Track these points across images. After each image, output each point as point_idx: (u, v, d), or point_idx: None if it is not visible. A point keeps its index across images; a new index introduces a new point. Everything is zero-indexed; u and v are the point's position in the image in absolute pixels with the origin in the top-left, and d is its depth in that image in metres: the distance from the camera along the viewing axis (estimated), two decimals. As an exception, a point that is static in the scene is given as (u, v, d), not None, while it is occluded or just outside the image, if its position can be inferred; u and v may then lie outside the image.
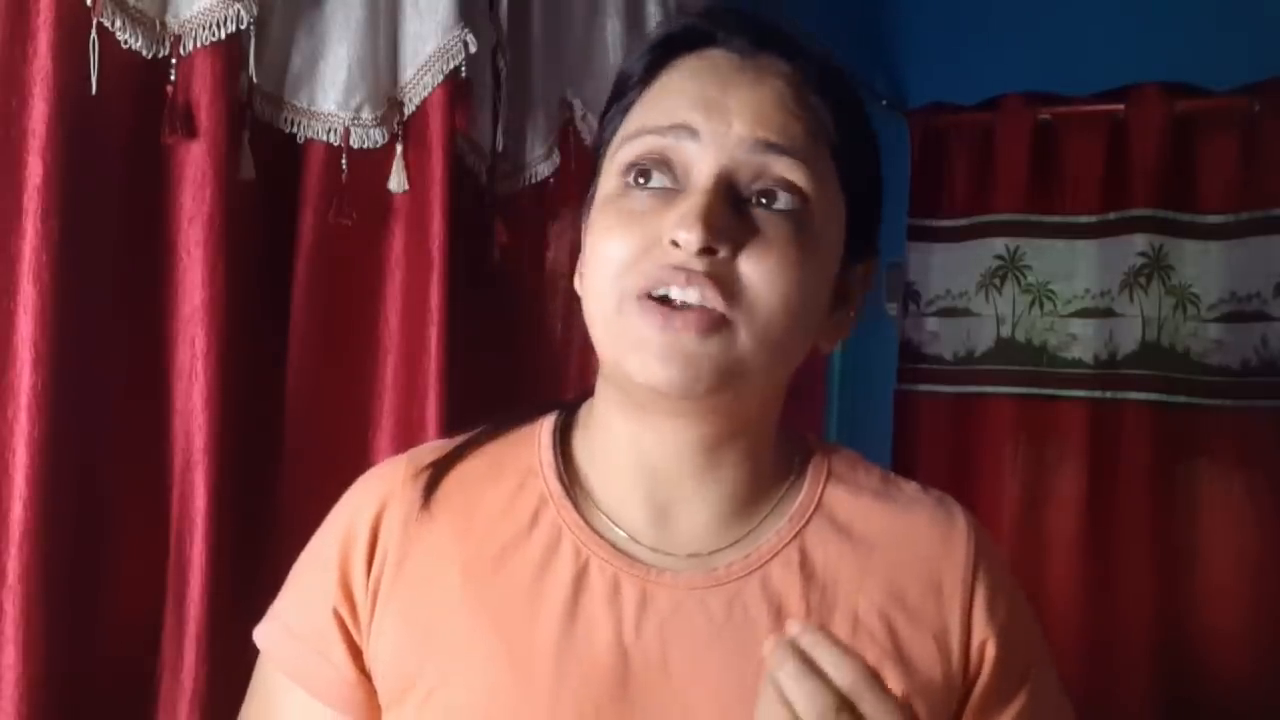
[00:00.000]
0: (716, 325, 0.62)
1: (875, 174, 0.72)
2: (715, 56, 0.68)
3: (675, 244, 0.62)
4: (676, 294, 0.62)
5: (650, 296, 0.62)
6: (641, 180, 0.65)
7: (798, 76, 0.67)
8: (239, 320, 0.94)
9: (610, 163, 0.68)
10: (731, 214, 0.63)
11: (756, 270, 0.62)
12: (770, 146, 0.64)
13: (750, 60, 0.67)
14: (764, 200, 0.64)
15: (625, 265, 0.63)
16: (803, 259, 0.64)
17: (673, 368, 0.62)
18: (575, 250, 0.75)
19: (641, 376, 0.63)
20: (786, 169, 0.64)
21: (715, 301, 0.61)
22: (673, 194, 0.64)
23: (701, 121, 0.64)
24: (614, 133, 0.69)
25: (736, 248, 0.62)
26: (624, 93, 0.70)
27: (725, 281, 0.62)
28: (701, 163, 0.64)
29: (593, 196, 0.70)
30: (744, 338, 0.63)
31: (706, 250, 0.61)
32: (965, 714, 0.71)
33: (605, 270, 0.64)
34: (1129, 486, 2.03)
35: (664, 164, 0.65)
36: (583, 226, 0.73)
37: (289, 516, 1.01)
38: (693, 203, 0.62)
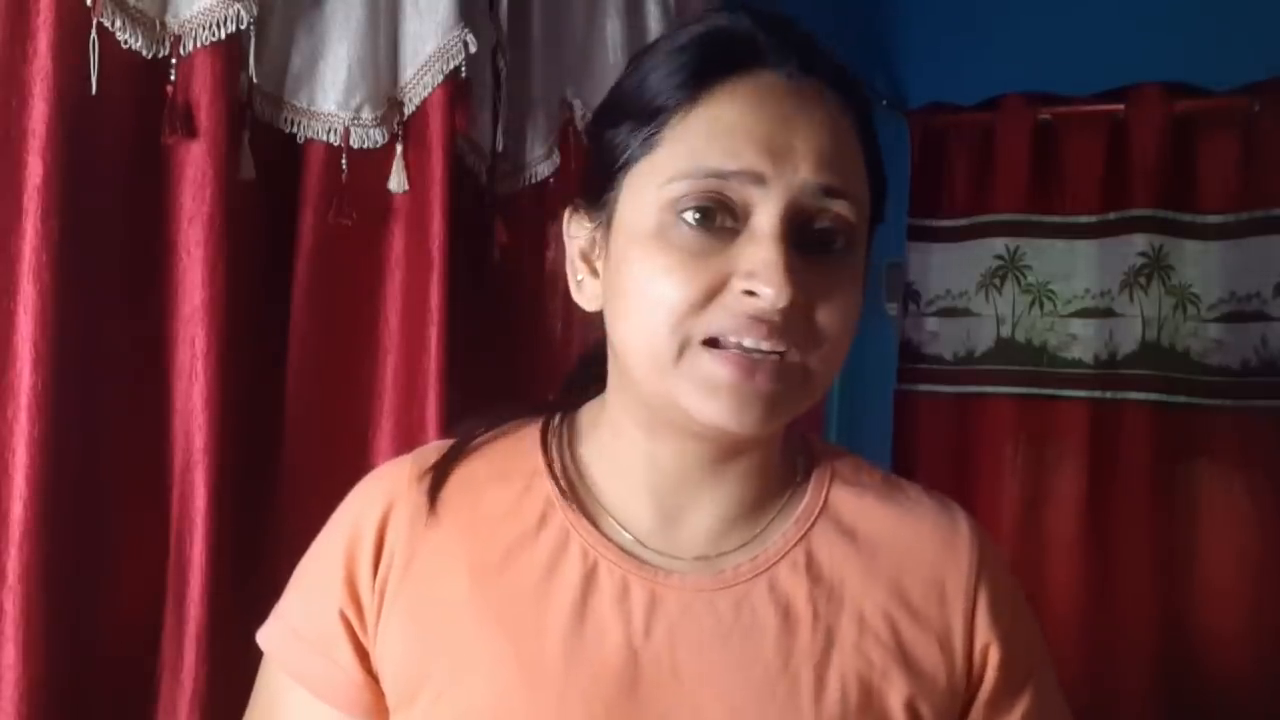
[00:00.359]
0: (789, 373, 0.63)
1: (885, 179, 0.71)
2: (766, 82, 0.64)
3: (749, 293, 0.61)
4: (750, 343, 0.61)
5: (718, 342, 0.62)
6: (699, 218, 0.62)
7: (838, 98, 0.66)
8: (239, 320, 0.94)
9: (654, 190, 0.64)
10: (802, 262, 0.62)
11: (829, 317, 0.63)
12: (833, 192, 0.63)
13: (799, 85, 0.65)
14: (824, 239, 0.64)
15: (687, 310, 0.61)
16: (857, 293, 0.66)
17: (748, 414, 0.62)
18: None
19: (709, 419, 0.62)
20: (845, 210, 0.64)
21: (789, 349, 0.62)
22: (731, 232, 0.62)
23: (768, 167, 0.62)
24: (645, 151, 0.65)
25: (809, 295, 0.62)
26: (655, 111, 0.65)
27: (800, 330, 0.62)
28: (767, 205, 0.62)
29: (607, 216, 0.68)
30: (814, 378, 0.64)
31: (791, 304, 0.61)
32: (971, 715, 0.71)
33: (661, 312, 0.62)
34: (1129, 486, 2.03)
35: (723, 204, 0.62)
36: (568, 217, 0.72)
37: (289, 516, 1.01)
38: (772, 255, 0.60)
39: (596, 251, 0.70)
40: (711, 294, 0.61)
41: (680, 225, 0.63)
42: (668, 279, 0.62)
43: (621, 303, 0.65)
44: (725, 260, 0.61)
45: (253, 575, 0.96)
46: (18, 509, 0.80)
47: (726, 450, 0.69)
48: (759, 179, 0.62)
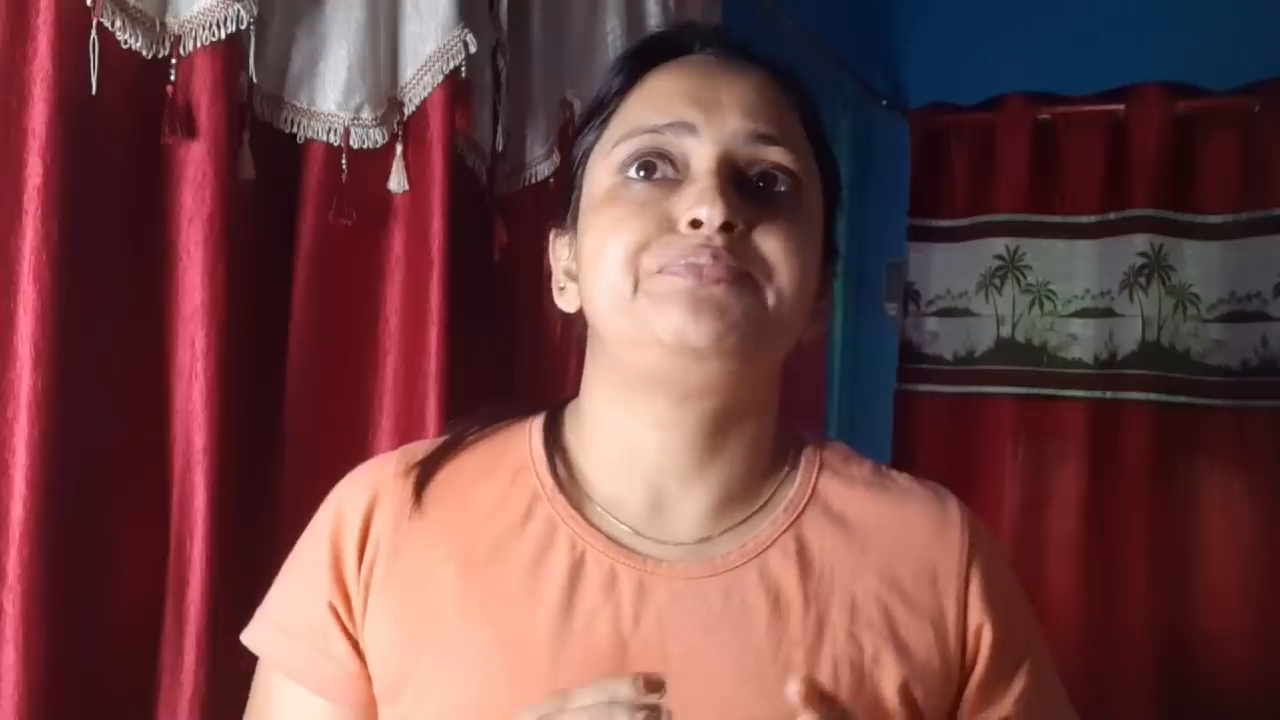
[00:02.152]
0: (744, 280, 0.64)
1: (838, 173, 0.75)
2: (696, 59, 0.71)
3: (694, 224, 0.63)
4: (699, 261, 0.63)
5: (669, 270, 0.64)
6: (643, 173, 0.67)
7: (770, 77, 0.71)
8: (239, 320, 0.94)
9: (603, 162, 0.69)
10: (742, 198, 0.65)
11: (770, 244, 0.65)
12: (764, 137, 0.67)
13: (727, 62, 0.71)
14: (763, 183, 0.67)
15: (639, 249, 0.65)
16: (804, 235, 0.68)
17: (704, 319, 0.63)
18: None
19: (673, 336, 0.63)
20: (780, 156, 0.67)
21: (740, 266, 0.64)
22: (675, 183, 0.66)
23: (699, 116, 0.67)
24: (594, 144, 0.72)
25: (749, 225, 0.65)
26: (602, 107, 0.72)
27: (744, 255, 0.64)
28: (702, 152, 0.66)
29: (575, 207, 0.72)
30: (767, 297, 0.65)
31: (726, 226, 0.63)
32: (966, 697, 0.71)
33: (617, 256, 0.65)
34: (1129, 486, 2.03)
35: (665, 157, 0.67)
36: (553, 240, 0.76)
37: (289, 516, 1.00)
38: (707, 184, 0.64)
39: (575, 262, 0.73)
40: (660, 233, 0.65)
41: (628, 183, 0.67)
42: (619, 226, 0.66)
43: (586, 268, 0.69)
44: (669, 205, 0.65)
45: (253, 575, 0.96)
46: (18, 509, 0.80)
47: (709, 423, 0.69)
48: (691, 129, 0.67)
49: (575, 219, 0.72)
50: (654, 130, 0.67)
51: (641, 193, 0.67)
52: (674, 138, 0.67)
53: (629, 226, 0.65)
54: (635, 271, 0.65)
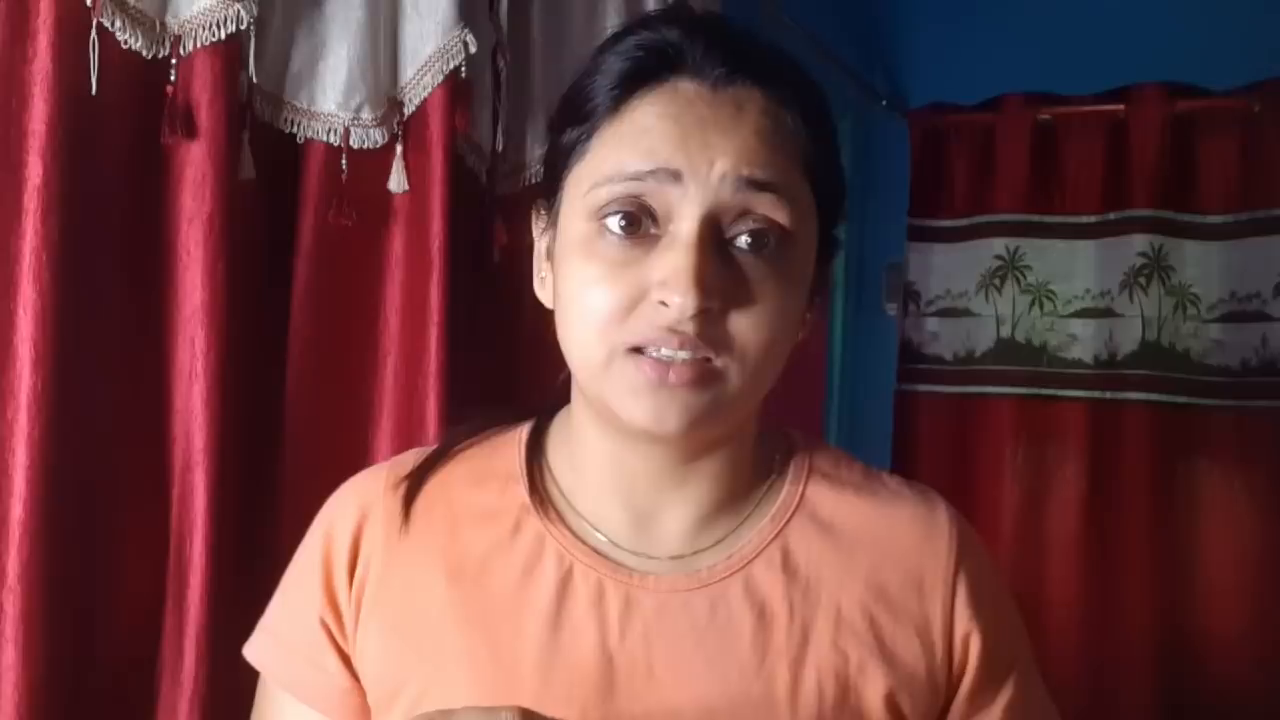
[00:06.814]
0: (708, 378, 0.62)
1: (843, 180, 0.71)
2: (688, 90, 0.64)
3: (664, 303, 0.61)
4: (668, 353, 0.61)
5: (641, 351, 0.62)
6: (624, 224, 0.63)
7: (772, 100, 0.65)
8: (239, 320, 0.94)
9: (580, 200, 0.65)
10: (719, 266, 0.62)
11: (746, 323, 0.62)
12: (753, 184, 0.62)
13: (724, 92, 0.64)
14: (748, 242, 0.63)
15: (612, 319, 0.62)
16: (787, 297, 0.64)
17: (668, 419, 0.62)
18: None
19: (633, 421, 0.63)
20: (770, 207, 0.63)
21: (707, 353, 0.62)
22: (654, 239, 0.62)
23: (684, 163, 0.62)
24: (577, 157, 0.67)
25: (726, 301, 0.62)
26: (587, 115, 0.66)
27: (716, 337, 0.62)
28: (685, 208, 0.62)
29: (554, 217, 0.69)
30: (733, 382, 0.63)
31: (699, 312, 0.60)
32: (954, 706, 0.71)
33: (589, 322, 0.63)
34: (1129, 487, 2.04)
35: (643, 209, 0.63)
36: (535, 217, 0.73)
37: (289, 516, 1.00)
38: (683, 262, 0.60)
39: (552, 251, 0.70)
40: (633, 304, 0.62)
41: (606, 235, 0.63)
42: (594, 290, 0.63)
43: (560, 311, 0.67)
44: (645, 270, 0.62)
45: (253, 575, 0.96)
46: (18, 509, 0.80)
47: (686, 452, 0.68)
48: (675, 176, 0.62)
49: (556, 221, 0.69)
50: (635, 178, 0.62)
51: (619, 251, 0.62)
52: (656, 185, 0.62)
53: (604, 293, 0.62)
54: (609, 345, 0.62)
